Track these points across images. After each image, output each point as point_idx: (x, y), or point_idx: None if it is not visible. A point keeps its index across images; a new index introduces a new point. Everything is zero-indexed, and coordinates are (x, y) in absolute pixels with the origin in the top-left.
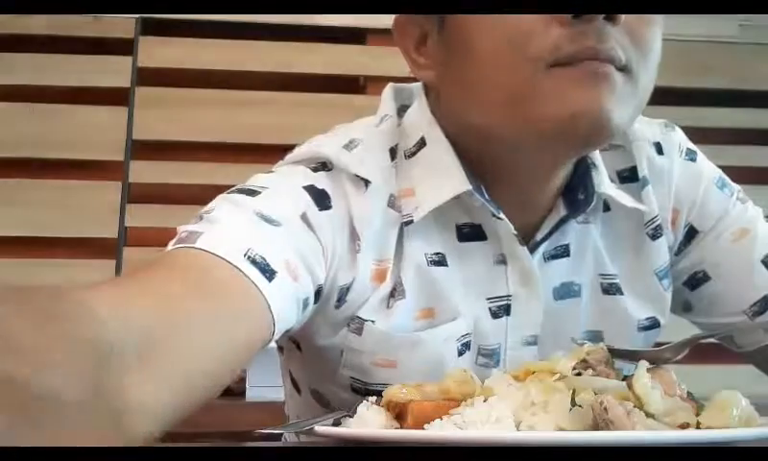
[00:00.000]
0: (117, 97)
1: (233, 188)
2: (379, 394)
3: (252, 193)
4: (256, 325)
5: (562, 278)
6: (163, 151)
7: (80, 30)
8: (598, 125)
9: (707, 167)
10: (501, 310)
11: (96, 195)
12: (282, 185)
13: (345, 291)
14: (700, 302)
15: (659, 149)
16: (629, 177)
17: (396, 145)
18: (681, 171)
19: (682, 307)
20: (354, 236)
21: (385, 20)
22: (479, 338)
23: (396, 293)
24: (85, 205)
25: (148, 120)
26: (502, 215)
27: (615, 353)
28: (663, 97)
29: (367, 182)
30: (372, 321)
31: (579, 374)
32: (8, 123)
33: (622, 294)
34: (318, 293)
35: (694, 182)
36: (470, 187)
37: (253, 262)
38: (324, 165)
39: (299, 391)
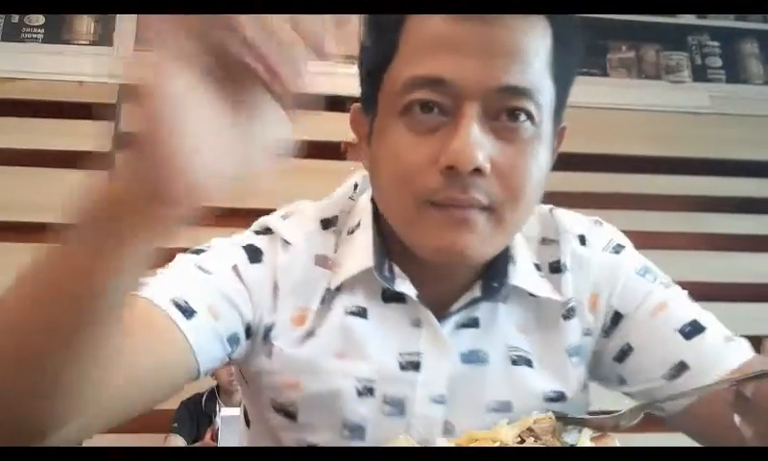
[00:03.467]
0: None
1: (192, 248)
2: (288, 413)
3: (199, 251)
4: (176, 355)
5: (470, 345)
6: None
7: (66, 95)
8: (458, 258)
9: (629, 258)
10: (409, 365)
11: None
12: (226, 245)
13: (269, 329)
14: (628, 373)
15: (582, 241)
16: (557, 268)
17: (336, 217)
18: (601, 261)
19: (617, 382)
20: (276, 286)
21: None
22: (384, 386)
23: (311, 335)
24: None
25: None
26: (403, 289)
27: (566, 421)
28: (637, 165)
29: (290, 244)
30: (281, 348)
31: (522, 441)
32: None
33: (531, 367)
34: (248, 329)
35: (613, 272)
36: (372, 265)
37: (177, 305)
38: (267, 230)
39: (248, 425)
